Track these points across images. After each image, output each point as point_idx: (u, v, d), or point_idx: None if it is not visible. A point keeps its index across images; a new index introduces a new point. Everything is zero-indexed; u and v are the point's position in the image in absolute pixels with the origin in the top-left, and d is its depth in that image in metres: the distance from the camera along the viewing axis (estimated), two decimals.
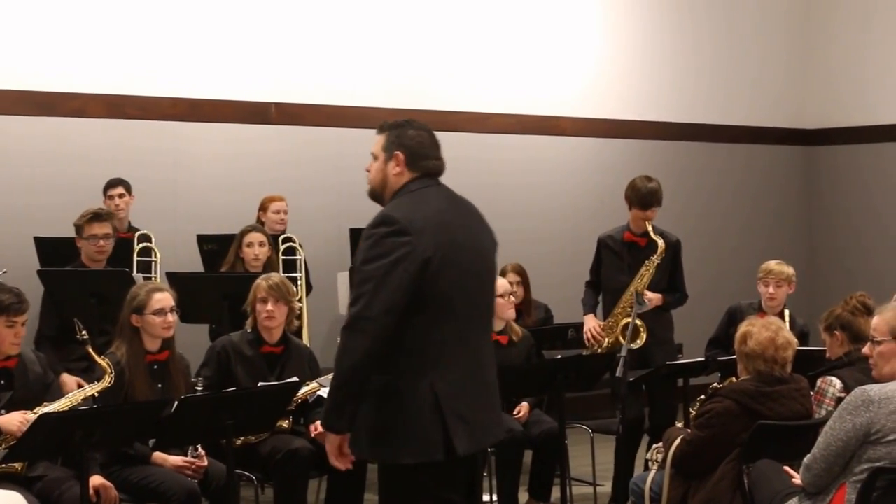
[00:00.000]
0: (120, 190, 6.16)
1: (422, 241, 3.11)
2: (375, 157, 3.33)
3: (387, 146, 3.29)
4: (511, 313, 5.29)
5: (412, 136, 3.28)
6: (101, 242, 5.42)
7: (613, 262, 5.51)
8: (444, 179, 8.20)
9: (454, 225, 3.22)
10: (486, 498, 5.09)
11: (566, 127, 7.98)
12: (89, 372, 4.49)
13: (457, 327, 3.17)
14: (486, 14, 7.74)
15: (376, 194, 3.33)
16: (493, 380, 3.31)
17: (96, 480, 3.93)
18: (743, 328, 4.13)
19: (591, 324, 5.53)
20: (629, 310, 5.34)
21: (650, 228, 5.42)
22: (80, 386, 4.39)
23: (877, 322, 3.58)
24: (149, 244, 6.03)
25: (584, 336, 5.55)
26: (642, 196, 5.39)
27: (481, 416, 3.22)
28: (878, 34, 8.63)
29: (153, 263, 6.00)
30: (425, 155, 3.28)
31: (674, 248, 5.51)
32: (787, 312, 5.50)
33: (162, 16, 6.74)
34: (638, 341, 5.25)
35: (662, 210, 5.66)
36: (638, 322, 5.21)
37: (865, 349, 3.63)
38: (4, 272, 5.09)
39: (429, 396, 3.12)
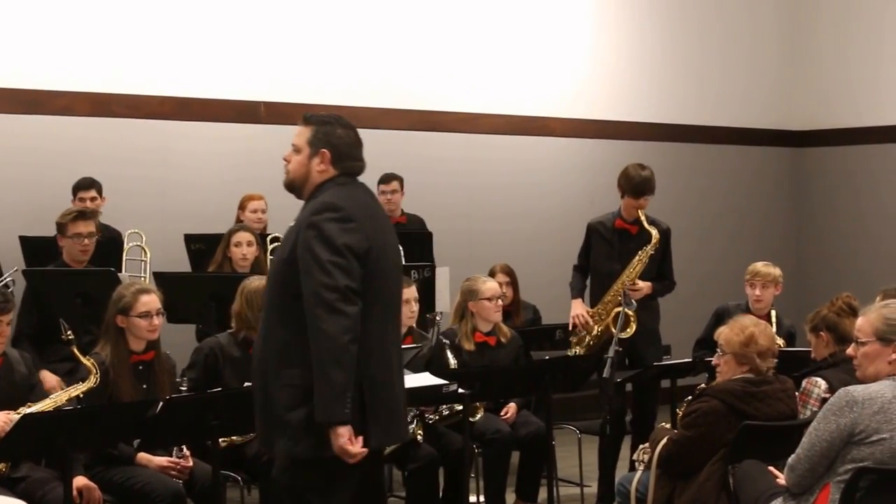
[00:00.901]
0: (92, 193, 6.12)
1: (363, 230, 3.20)
2: (298, 150, 3.32)
3: (313, 141, 3.29)
4: (497, 316, 5.29)
5: (340, 136, 3.32)
6: (86, 241, 5.41)
7: (603, 248, 5.51)
8: (434, 179, 8.22)
9: (382, 222, 3.36)
10: (472, 498, 5.11)
11: (555, 128, 8.00)
12: (74, 373, 4.48)
13: (385, 319, 3.27)
14: (475, 15, 7.75)
15: (294, 187, 3.34)
16: (402, 379, 3.39)
17: (80, 481, 3.93)
18: (741, 332, 4.05)
19: (580, 310, 5.53)
20: (619, 299, 5.35)
21: (642, 217, 5.43)
22: (60, 384, 4.38)
23: (861, 323, 3.60)
24: (139, 244, 6.02)
25: (571, 321, 5.55)
26: (635, 184, 5.39)
27: (399, 412, 3.30)
28: (864, 37, 8.67)
29: (143, 263, 5.99)
30: (350, 155, 3.33)
31: (665, 236, 5.52)
32: (773, 313, 5.52)
33: (150, 14, 6.73)
34: (628, 330, 5.27)
35: (651, 211, 5.68)
36: (629, 311, 5.23)
37: (850, 350, 3.65)
38: (11, 282, 5.07)
39: (369, 384, 3.19)
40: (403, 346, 4.78)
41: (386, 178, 6.88)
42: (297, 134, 3.35)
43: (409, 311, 4.99)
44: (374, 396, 3.18)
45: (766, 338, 4.08)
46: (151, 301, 4.31)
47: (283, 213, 6.58)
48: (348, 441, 3.12)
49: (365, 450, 3.15)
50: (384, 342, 3.25)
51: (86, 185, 6.15)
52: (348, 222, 3.16)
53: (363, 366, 3.15)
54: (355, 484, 3.25)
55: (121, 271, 5.73)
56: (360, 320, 3.12)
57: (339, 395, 3.09)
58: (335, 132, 3.30)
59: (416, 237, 6.59)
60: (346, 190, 3.27)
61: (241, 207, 6.49)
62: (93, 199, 6.12)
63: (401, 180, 6.91)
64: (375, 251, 3.21)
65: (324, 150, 3.27)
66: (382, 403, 3.20)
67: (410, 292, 5.00)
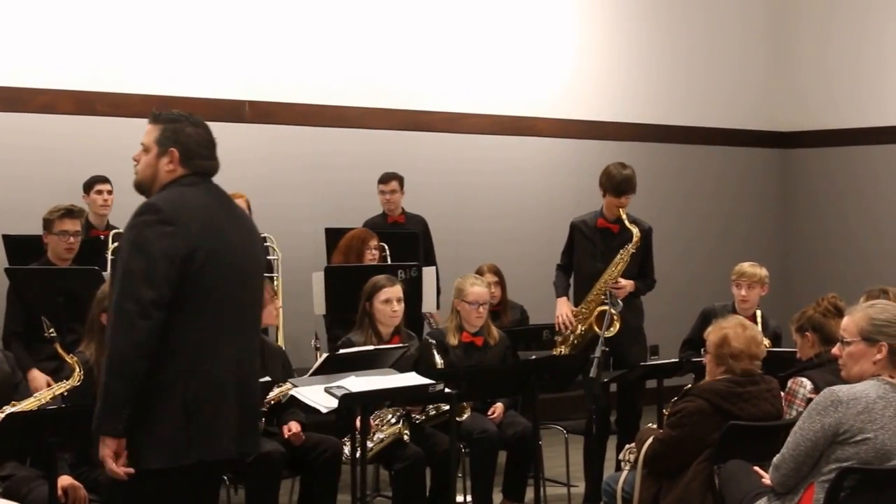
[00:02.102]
0: (108, 186, 6.24)
1: (187, 234, 3.05)
2: (147, 149, 3.24)
3: (161, 140, 3.21)
4: (478, 321, 5.29)
5: (189, 134, 3.21)
6: (72, 239, 5.42)
7: (586, 247, 5.56)
8: (421, 179, 8.20)
9: (221, 222, 3.16)
10: (459, 498, 5.13)
11: (542, 128, 8.03)
12: (59, 372, 4.48)
13: (217, 327, 3.08)
14: (462, 15, 7.77)
15: (143, 188, 3.26)
16: (254, 387, 3.20)
17: (65, 480, 3.92)
18: (717, 332, 4.15)
19: (564, 309, 5.57)
20: (603, 298, 5.39)
21: (624, 216, 5.47)
22: (49, 384, 4.38)
23: (846, 323, 3.63)
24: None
25: (556, 321, 5.58)
26: (617, 183, 5.44)
27: (232, 423, 3.09)
28: (848, 41, 8.75)
29: None
30: (200, 154, 3.21)
31: (646, 235, 5.57)
32: (758, 314, 5.57)
33: (133, 12, 6.73)
34: (612, 328, 5.30)
35: (638, 212, 5.72)
36: (613, 311, 5.27)
37: (835, 350, 3.69)
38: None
39: (180, 398, 3.03)
40: (390, 346, 4.86)
41: (385, 178, 6.92)
42: (145, 132, 3.27)
43: (391, 311, 5.00)
44: (195, 411, 3.03)
45: (742, 340, 4.07)
46: None
47: (269, 211, 6.64)
48: (109, 456, 3.03)
49: (130, 470, 3.02)
50: (214, 352, 3.07)
51: (102, 178, 6.23)
52: (167, 225, 3.03)
53: (184, 378, 3.03)
54: (199, 496, 3.14)
55: (105, 270, 5.73)
56: (183, 329, 3.03)
57: (115, 408, 3.01)
58: (184, 130, 3.20)
59: (403, 237, 6.62)
60: (187, 190, 3.15)
61: None
62: (109, 191, 6.23)
63: (400, 180, 6.94)
64: (202, 255, 3.04)
65: (172, 148, 3.19)
66: (202, 417, 3.03)
67: (395, 292, 5.02)
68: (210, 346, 3.08)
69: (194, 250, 3.06)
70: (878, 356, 3.51)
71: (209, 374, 3.08)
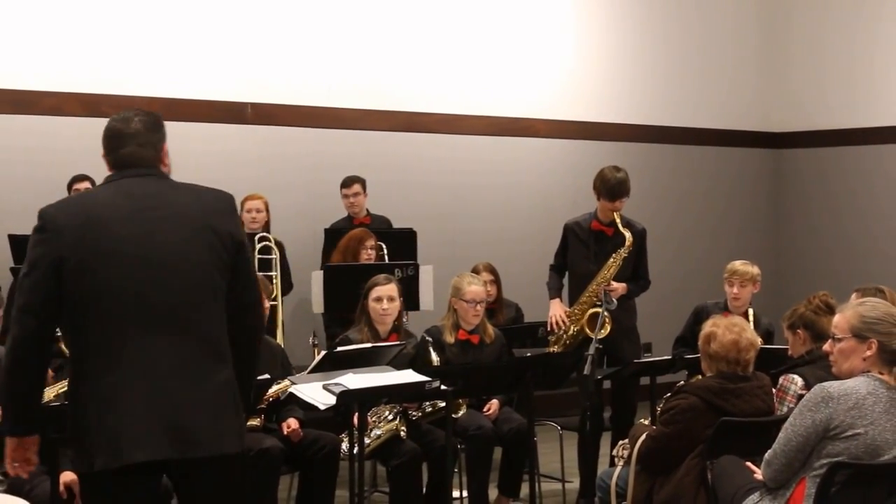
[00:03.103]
0: (87, 184, 6.13)
1: (59, 240, 2.88)
2: None
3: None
4: (475, 320, 5.26)
5: (109, 127, 3.04)
6: None
7: (579, 249, 5.53)
8: (418, 179, 8.12)
9: (113, 219, 2.90)
10: (455, 494, 5.11)
11: (539, 129, 8.01)
12: (61, 370, 4.45)
13: (112, 328, 2.87)
14: (460, 17, 7.75)
15: None
16: (174, 388, 2.88)
17: (67, 476, 3.91)
18: (707, 329, 4.16)
19: (557, 310, 5.54)
20: (595, 300, 5.37)
21: (618, 219, 5.44)
22: (51, 380, 4.36)
23: (838, 320, 3.61)
24: None
25: (549, 321, 5.56)
26: (611, 187, 5.41)
27: (133, 428, 2.84)
28: (840, 42, 8.72)
29: None
30: (110, 147, 3.02)
31: (640, 237, 5.54)
32: (751, 311, 5.54)
33: (139, 16, 6.71)
34: (603, 331, 5.28)
35: (633, 211, 5.69)
36: (606, 313, 5.24)
37: (826, 346, 3.66)
38: None
39: (79, 404, 2.91)
40: (387, 344, 4.83)
41: (347, 182, 6.82)
42: None
43: (381, 309, 4.96)
44: (91, 417, 2.88)
45: (723, 343, 4.03)
46: None
47: (270, 210, 6.62)
48: (10, 453, 3.03)
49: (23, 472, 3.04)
50: (97, 357, 2.88)
51: (82, 177, 6.15)
52: (41, 233, 2.91)
53: (80, 384, 2.91)
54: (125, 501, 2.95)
55: None
56: (77, 335, 2.91)
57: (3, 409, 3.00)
58: (107, 125, 3.06)
59: (398, 235, 6.59)
60: (96, 189, 3.03)
61: (240, 206, 6.50)
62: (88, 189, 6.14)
63: (363, 182, 6.86)
64: (75, 261, 2.85)
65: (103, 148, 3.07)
66: (94, 423, 2.87)
67: (386, 290, 4.98)
68: (104, 353, 2.88)
69: (67, 255, 2.88)
70: (868, 353, 3.49)
71: (103, 381, 2.87)
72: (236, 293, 3.01)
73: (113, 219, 2.92)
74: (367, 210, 6.93)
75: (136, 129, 3.04)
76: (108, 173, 3.04)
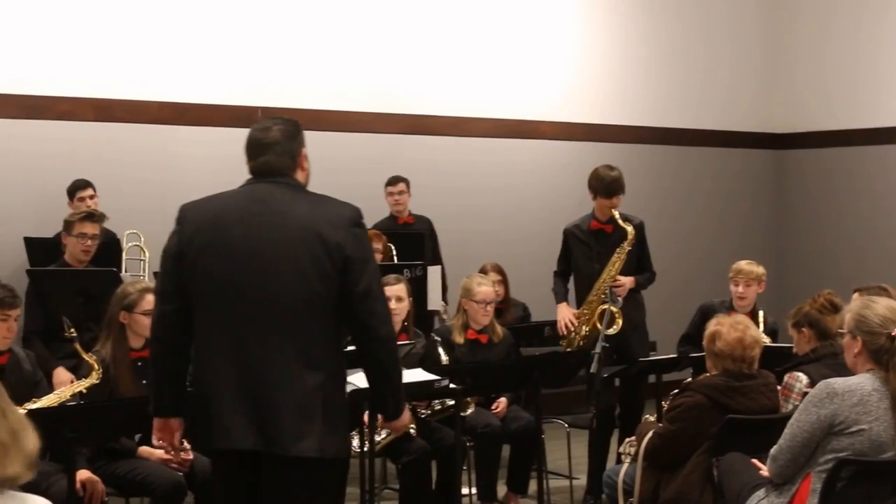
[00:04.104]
0: (90, 191, 6.13)
1: (182, 233, 3.11)
2: None
3: None
4: (485, 319, 5.27)
5: (249, 136, 3.22)
6: (89, 242, 5.42)
7: (582, 251, 5.53)
8: (427, 181, 8.13)
9: (226, 221, 3.07)
10: (464, 491, 5.11)
11: (544, 131, 8.01)
12: (76, 370, 4.47)
13: (213, 321, 3.04)
14: (466, 22, 7.76)
15: None
16: (258, 390, 3.00)
17: (83, 474, 3.92)
18: (712, 327, 4.15)
19: (566, 314, 5.54)
20: (604, 297, 5.36)
21: (616, 215, 5.45)
22: (72, 381, 4.38)
23: (844, 314, 3.65)
24: (138, 244, 6.02)
25: (559, 326, 5.55)
26: (607, 185, 5.42)
27: (228, 418, 3.00)
28: (841, 44, 8.71)
29: (142, 263, 5.99)
30: (248, 157, 3.21)
31: (639, 230, 5.53)
32: (761, 313, 5.52)
33: (151, 21, 6.73)
34: (615, 327, 5.27)
35: (638, 211, 5.69)
36: (614, 309, 5.24)
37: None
38: None
39: (196, 387, 3.12)
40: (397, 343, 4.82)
41: (392, 181, 6.94)
42: None
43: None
44: (191, 401, 3.12)
45: (727, 342, 4.02)
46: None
47: None
48: (155, 433, 3.22)
49: (177, 449, 3.29)
50: (206, 345, 3.07)
51: (83, 184, 6.16)
52: (176, 225, 3.16)
53: (195, 369, 3.12)
54: (221, 482, 3.16)
55: (121, 271, 5.72)
56: (196, 322, 3.08)
57: (151, 390, 3.22)
58: (249, 133, 3.22)
59: (411, 237, 6.61)
60: (227, 192, 3.22)
61: None
62: (91, 196, 6.14)
63: (407, 182, 6.94)
64: (192, 254, 3.06)
65: None
66: (195, 409, 3.09)
67: (398, 290, 4.98)
68: (209, 343, 3.08)
69: (187, 248, 3.08)
70: (857, 350, 3.50)
71: (208, 369, 3.07)
72: (351, 308, 3.05)
73: (229, 219, 3.09)
74: (411, 210, 6.96)
75: (273, 139, 3.16)
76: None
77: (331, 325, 3.05)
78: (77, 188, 6.14)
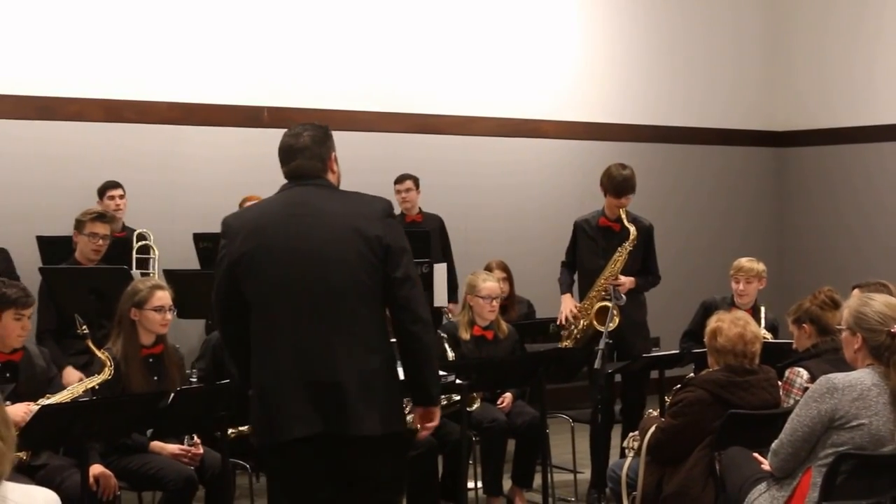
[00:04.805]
0: (120, 191, 6.24)
1: (233, 244, 3.24)
2: None
3: None
4: (491, 315, 5.29)
5: (281, 141, 3.35)
6: (100, 242, 5.44)
7: (589, 245, 5.55)
8: (429, 181, 8.16)
9: (272, 227, 3.23)
10: (470, 484, 5.13)
11: (547, 130, 8.02)
12: (88, 366, 4.50)
13: (272, 321, 3.19)
14: (470, 22, 7.77)
15: None
16: (321, 376, 3.16)
17: (96, 469, 3.95)
18: (712, 324, 4.16)
19: (569, 305, 5.56)
20: (603, 294, 5.38)
21: (623, 215, 5.46)
22: (81, 380, 4.41)
23: (842, 311, 3.66)
24: (147, 242, 6.05)
25: (560, 316, 5.57)
26: (617, 184, 5.43)
27: (296, 406, 3.15)
28: (840, 42, 8.71)
29: (151, 260, 6.01)
30: (282, 161, 3.34)
31: (647, 232, 5.54)
32: (762, 309, 5.53)
33: (158, 24, 6.75)
34: (612, 324, 5.29)
35: (641, 209, 5.70)
36: (610, 305, 5.25)
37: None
38: None
39: (257, 388, 3.24)
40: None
41: (400, 178, 6.96)
42: None
43: None
44: (252, 397, 3.25)
45: (729, 337, 4.03)
46: (165, 297, 4.34)
47: None
48: None
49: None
50: (265, 344, 3.21)
51: (113, 184, 6.24)
52: (222, 238, 3.29)
53: (255, 370, 3.25)
54: (282, 476, 3.28)
55: (132, 269, 5.75)
56: (254, 326, 3.23)
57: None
58: (281, 139, 3.36)
59: (417, 235, 6.62)
60: (268, 198, 3.36)
61: (240, 206, 6.52)
62: (121, 196, 6.23)
63: (415, 179, 6.95)
64: (246, 260, 3.21)
65: None
66: (260, 402, 3.22)
67: None
68: (268, 340, 3.20)
69: (240, 256, 3.22)
70: (857, 346, 3.51)
71: (268, 365, 3.20)
72: (391, 292, 3.22)
73: (272, 224, 3.24)
74: (420, 208, 6.97)
75: (304, 144, 3.31)
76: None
77: (380, 313, 3.25)
78: (107, 188, 6.23)
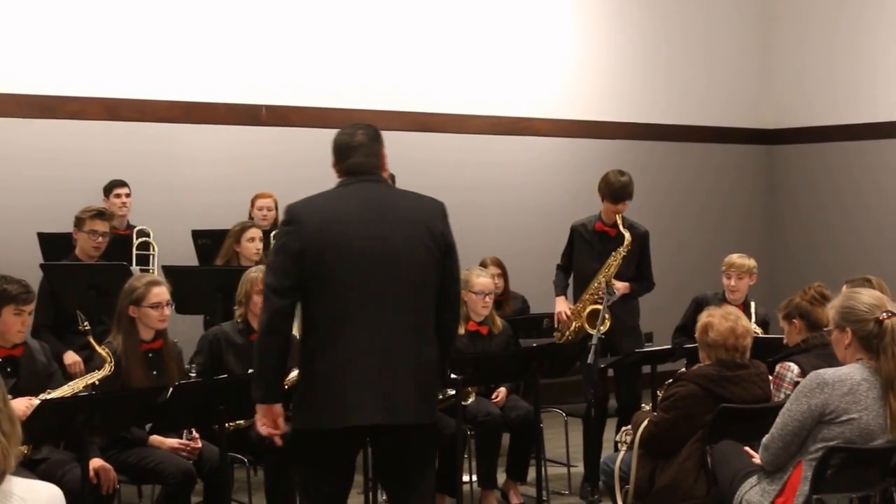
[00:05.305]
0: (126, 190, 6.25)
1: (302, 231, 3.25)
2: None
3: None
4: (484, 311, 5.30)
5: (337, 140, 3.42)
6: (100, 239, 5.44)
7: (584, 249, 5.56)
8: (425, 178, 8.19)
9: (348, 217, 3.29)
10: (465, 478, 5.13)
11: (541, 128, 8.02)
12: (88, 361, 4.50)
13: (341, 311, 3.23)
14: (465, 22, 7.77)
15: None
16: (390, 363, 3.26)
17: (96, 462, 3.95)
18: (703, 319, 4.16)
19: (563, 307, 5.58)
20: (596, 297, 5.39)
21: (619, 221, 5.47)
22: (81, 364, 4.42)
23: (828, 312, 3.65)
24: (147, 239, 6.05)
25: (556, 317, 5.59)
26: (615, 190, 5.44)
27: (355, 395, 3.22)
28: (829, 42, 8.72)
29: (151, 257, 6.02)
30: (343, 156, 3.39)
31: (642, 238, 5.56)
32: (752, 304, 5.54)
33: (158, 23, 6.75)
34: (603, 326, 5.29)
35: (635, 206, 5.71)
36: (600, 306, 5.26)
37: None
38: None
39: (310, 371, 3.27)
40: None
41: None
42: None
43: None
44: (320, 381, 3.25)
45: (720, 332, 4.04)
46: (162, 293, 4.34)
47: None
48: (258, 420, 3.35)
49: (276, 432, 3.33)
50: (328, 332, 3.24)
51: (119, 183, 6.26)
52: (289, 225, 3.29)
53: (317, 353, 3.26)
54: (322, 461, 3.32)
55: (131, 265, 5.75)
56: (315, 312, 3.26)
57: (256, 378, 3.35)
58: (335, 138, 3.43)
59: None
60: (332, 191, 3.39)
61: (252, 204, 6.54)
62: (127, 195, 6.24)
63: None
64: (316, 249, 3.23)
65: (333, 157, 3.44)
66: (325, 387, 3.24)
67: None
68: (334, 329, 3.23)
69: (308, 246, 3.23)
70: (847, 341, 3.51)
71: (332, 353, 3.23)
72: (445, 288, 3.37)
73: (345, 219, 3.29)
74: None
75: (360, 142, 3.39)
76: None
77: (433, 305, 3.35)
78: (113, 186, 6.24)
